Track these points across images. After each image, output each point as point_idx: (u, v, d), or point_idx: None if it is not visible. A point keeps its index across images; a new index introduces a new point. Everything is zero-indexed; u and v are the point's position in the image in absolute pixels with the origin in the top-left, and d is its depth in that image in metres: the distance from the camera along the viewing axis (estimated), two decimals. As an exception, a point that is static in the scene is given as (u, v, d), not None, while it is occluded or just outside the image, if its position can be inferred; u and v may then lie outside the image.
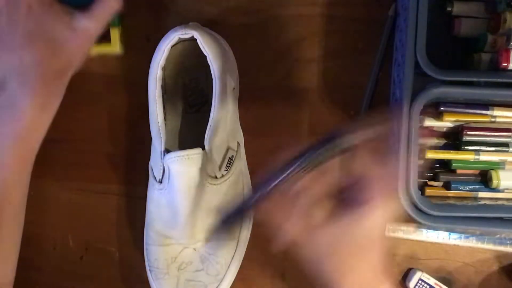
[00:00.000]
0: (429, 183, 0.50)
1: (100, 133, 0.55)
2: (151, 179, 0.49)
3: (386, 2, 0.53)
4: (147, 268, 0.50)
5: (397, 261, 0.53)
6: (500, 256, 0.53)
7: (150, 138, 0.48)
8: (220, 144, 0.47)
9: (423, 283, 0.52)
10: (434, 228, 0.53)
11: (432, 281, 0.52)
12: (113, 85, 0.54)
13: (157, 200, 0.48)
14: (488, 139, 0.48)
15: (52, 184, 0.55)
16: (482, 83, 0.46)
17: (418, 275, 0.52)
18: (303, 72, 0.53)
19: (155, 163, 0.47)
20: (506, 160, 0.48)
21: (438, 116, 0.48)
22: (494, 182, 0.48)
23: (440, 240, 0.53)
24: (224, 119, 0.46)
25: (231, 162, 0.48)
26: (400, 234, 0.53)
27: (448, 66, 0.45)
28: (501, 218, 0.46)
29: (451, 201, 0.47)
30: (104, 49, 0.52)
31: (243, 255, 0.51)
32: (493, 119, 0.47)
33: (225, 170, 0.48)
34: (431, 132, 0.49)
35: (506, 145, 0.48)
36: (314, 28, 0.54)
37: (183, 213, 0.46)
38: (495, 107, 0.47)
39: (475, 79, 0.45)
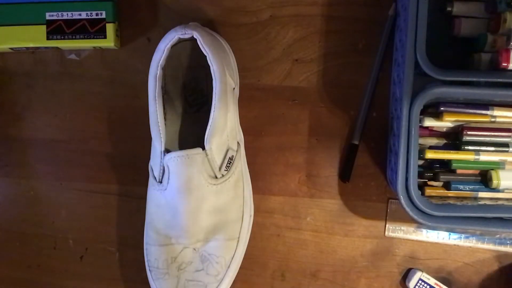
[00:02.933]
0: (429, 183, 0.50)
1: (100, 133, 0.55)
2: (151, 179, 0.49)
3: (386, 2, 0.53)
4: (147, 268, 0.50)
5: (397, 261, 0.53)
6: (500, 256, 0.53)
7: (150, 138, 0.48)
8: (220, 144, 0.47)
9: (423, 283, 0.52)
10: (434, 228, 0.53)
11: (432, 281, 0.52)
12: (113, 85, 0.54)
13: (157, 200, 0.48)
14: (488, 139, 0.48)
15: (52, 184, 0.55)
16: (482, 83, 0.46)
17: (418, 275, 0.52)
18: (303, 72, 0.53)
19: (155, 163, 0.47)
20: (506, 160, 0.48)
21: (438, 116, 0.48)
22: (494, 182, 0.48)
23: (440, 240, 0.53)
24: (224, 119, 0.46)
25: (231, 162, 0.48)
26: (400, 234, 0.53)
27: (448, 66, 0.45)
28: (501, 218, 0.46)
29: (451, 201, 0.47)
30: (100, 44, 0.52)
31: (243, 255, 0.51)
32: (493, 119, 0.47)
33: (225, 170, 0.48)
34: (431, 132, 0.49)
35: (506, 145, 0.48)
36: (314, 28, 0.54)
37: (183, 213, 0.46)
38: (495, 107, 0.47)
39: (475, 79, 0.45)
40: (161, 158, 0.45)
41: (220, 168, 0.47)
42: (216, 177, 0.47)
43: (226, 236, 0.49)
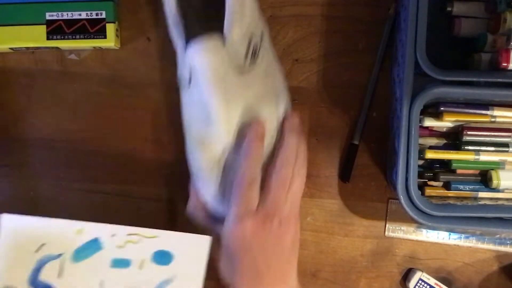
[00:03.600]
0: (429, 183, 0.50)
1: (100, 133, 0.55)
2: (181, 88, 0.47)
3: (386, 2, 0.53)
4: (193, 176, 0.48)
5: (397, 261, 0.53)
6: (500, 256, 0.53)
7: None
8: (242, 30, 0.44)
9: (423, 283, 0.52)
10: (434, 228, 0.53)
11: (432, 281, 0.52)
12: (113, 85, 0.54)
13: (188, 105, 0.46)
14: (488, 139, 0.48)
15: (52, 184, 0.55)
16: (482, 83, 0.46)
17: (418, 275, 0.52)
18: (303, 72, 0.53)
19: (182, 68, 0.45)
20: (506, 160, 0.48)
21: (438, 116, 0.48)
22: (494, 182, 0.48)
23: (440, 240, 0.53)
24: (241, 5, 0.44)
25: (256, 50, 0.46)
26: (400, 234, 0.53)
27: (448, 66, 0.45)
28: (501, 218, 0.46)
29: (451, 201, 0.47)
30: (100, 44, 0.52)
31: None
32: (493, 119, 0.47)
33: (251, 58, 0.45)
34: (431, 132, 0.50)
35: (506, 145, 0.48)
36: (314, 28, 0.54)
37: (214, 107, 0.43)
38: (495, 107, 0.47)
39: (475, 79, 0.45)
40: (185, 55, 0.44)
41: (246, 57, 0.45)
42: (243, 67, 0.44)
43: None
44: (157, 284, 0.46)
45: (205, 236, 0.46)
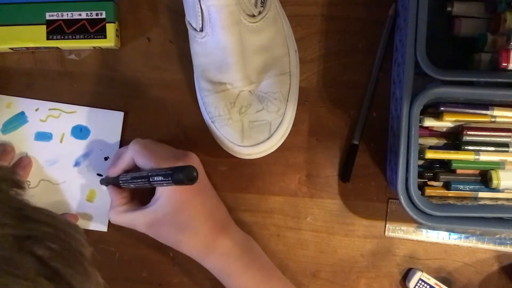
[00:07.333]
0: (429, 183, 0.50)
1: (100, 133, 0.55)
2: (191, 34, 0.49)
3: (386, 2, 0.53)
4: (209, 121, 0.49)
5: (397, 261, 0.53)
6: (500, 256, 0.53)
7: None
8: None
9: (423, 283, 0.52)
10: (434, 228, 0.53)
11: (432, 281, 0.52)
12: (113, 85, 0.54)
13: (203, 50, 0.48)
14: (488, 139, 0.48)
15: (52, 184, 0.55)
16: (482, 83, 0.46)
17: (418, 275, 0.52)
18: (303, 72, 0.53)
19: (192, 14, 0.46)
20: (506, 160, 0.48)
21: (438, 116, 0.48)
22: (494, 182, 0.48)
23: (440, 240, 0.53)
24: None
25: None
26: (400, 234, 0.53)
27: (448, 66, 0.45)
28: (501, 218, 0.46)
29: (451, 201, 0.47)
30: (100, 44, 0.52)
31: (298, 90, 0.51)
32: (493, 119, 0.47)
33: (261, 6, 0.47)
34: (431, 132, 0.49)
35: (506, 145, 0.48)
36: (314, 28, 0.54)
37: (232, 50, 0.46)
38: (495, 107, 0.47)
39: (475, 79, 0.45)
40: (198, 4, 0.45)
41: (255, 5, 0.46)
42: (253, 15, 0.46)
43: (277, 72, 0.49)
44: (77, 157, 0.53)
45: (119, 111, 0.53)
